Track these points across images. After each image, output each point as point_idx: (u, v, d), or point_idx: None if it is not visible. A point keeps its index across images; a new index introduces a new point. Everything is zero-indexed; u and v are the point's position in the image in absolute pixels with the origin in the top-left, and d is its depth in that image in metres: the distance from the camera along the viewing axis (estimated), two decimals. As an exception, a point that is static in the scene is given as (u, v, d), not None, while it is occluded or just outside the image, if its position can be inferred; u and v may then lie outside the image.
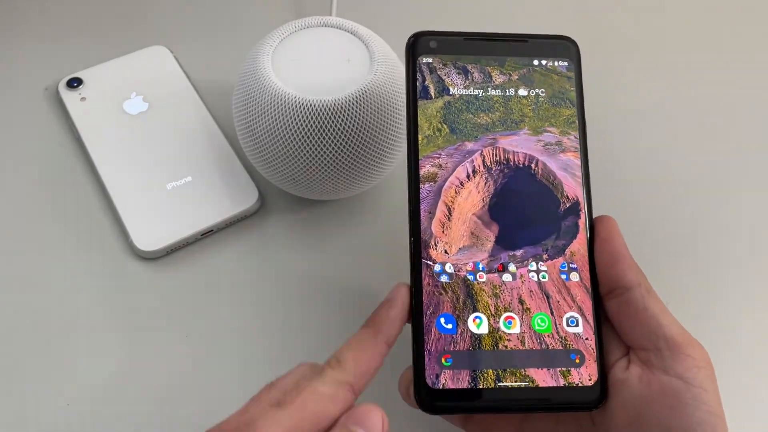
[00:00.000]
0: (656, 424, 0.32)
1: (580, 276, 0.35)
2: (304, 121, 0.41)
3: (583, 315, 0.34)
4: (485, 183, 0.36)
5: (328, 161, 0.42)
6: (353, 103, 0.41)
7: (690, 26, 0.60)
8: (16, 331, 0.43)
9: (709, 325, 0.45)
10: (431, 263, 0.34)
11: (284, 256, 0.47)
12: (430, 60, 0.37)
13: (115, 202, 0.47)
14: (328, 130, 0.41)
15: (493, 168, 0.36)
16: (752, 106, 0.55)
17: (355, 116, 0.41)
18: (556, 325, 0.34)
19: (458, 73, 0.37)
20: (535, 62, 0.37)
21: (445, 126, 0.36)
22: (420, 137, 0.36)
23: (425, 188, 0.35)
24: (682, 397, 0.31)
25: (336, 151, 0.42)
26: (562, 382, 0.33)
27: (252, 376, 0.42)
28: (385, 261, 0.46)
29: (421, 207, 0.35)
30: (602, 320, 0.35)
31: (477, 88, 0.37)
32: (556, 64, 0.37)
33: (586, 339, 0.34)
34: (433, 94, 0.36)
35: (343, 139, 0.41)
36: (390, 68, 0.43)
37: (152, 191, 0.48)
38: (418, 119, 0.36)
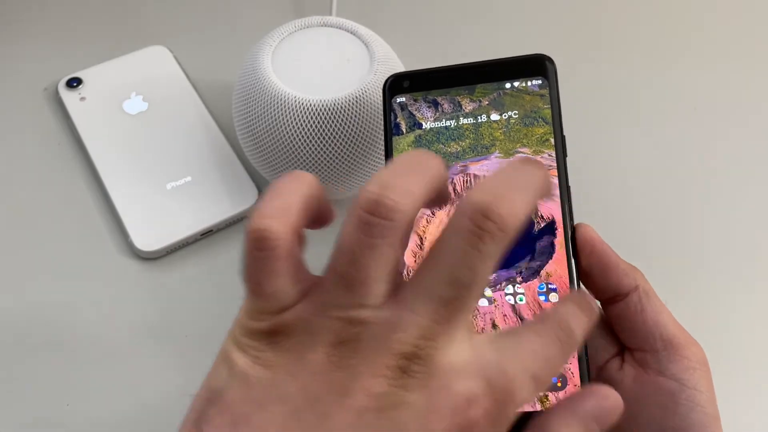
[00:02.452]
0: (650, 425, 0.31)
1: (559, 297, 0.34)
2: (304, 121, 0.41)
3: None
4: None
5: (328, 161, 0.42)
6: (353, 103, 0.41)
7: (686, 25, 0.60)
8: (16, 331, 0.43)
9: (706, 325, 0.45)
10: None
11: (284, 256, 0.47)
12: (403, 99, 0.38)
13: (115, 202, 0.47)
14: (328, 130, 0.41)
15: (464, 195, 0.36)
16: (749, 102, 0.55)
17: (355, 116, 0.41)
18: None
19: (428, 107, 0.37)
20: (507, 85, 0.37)
21: None
22: None
23: None
24: (676, 398, 0.31)
25: (336, 151, 0.42)
26: (538, 407, 0.33)
27: (252, 376, 0.42)
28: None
29: None
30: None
31: (447, 119, 0.37)
32: (528, 84, 0.37)
33: (567, 366, 0.33)
34: (404, 130, 0.37)
35: (343, 139, 0.41)
36: (390, 68, 0.43)
37: (152, 191, 0.48)
38: (393, 154, 0.37)
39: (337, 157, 0.42)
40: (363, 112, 0.41)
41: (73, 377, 0.42)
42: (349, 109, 0.41)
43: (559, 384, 0.33)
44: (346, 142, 0.42)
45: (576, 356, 0.33)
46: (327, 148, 0.42)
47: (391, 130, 0.38)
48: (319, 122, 0.41)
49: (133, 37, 0.56)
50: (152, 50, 0.55)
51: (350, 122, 0.41)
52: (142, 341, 0.43)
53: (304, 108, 0.41)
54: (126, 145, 0.50)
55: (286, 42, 0.44)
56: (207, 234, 0.47)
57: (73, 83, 0.52)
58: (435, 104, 0.37)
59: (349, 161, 0.42)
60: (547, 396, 0.33)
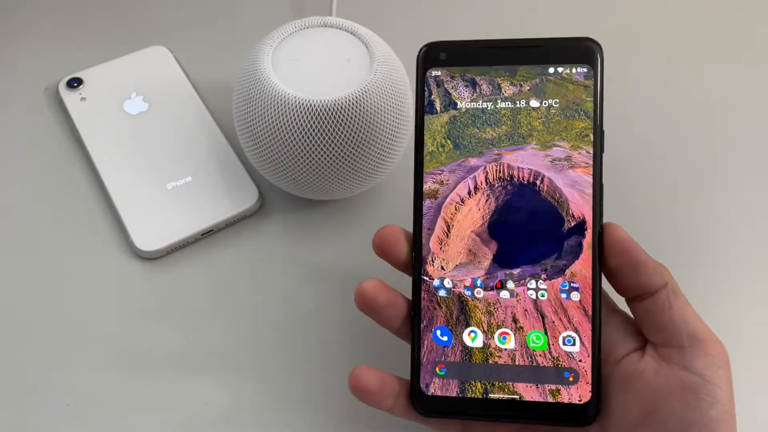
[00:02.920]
0: (670, 417, 0.32)
1: (580, 296, 0.34)
2: (304, 121, 0.41)
3: (579, 336, 0.34)
4: (486, 200, 0.35)
5: (328, 161, 0.42)
6: (353, 103, 0.41)
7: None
8: (16, 330, 0.43)
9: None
10: (428, 279, 0.35)
11: (284, 256, 0.47)
12: (438, 73, 0.36)
13: (115, 202, 0.47)
14: (328, 130, 0.41)
15: (496, 185, 0.35)
16: (750, 102, 0.55)
17: (355, 116, 0.41)
18: (550, 344, 0.34)
19: (466, 86, 0.35)
20: (551, 70, 0.35)
21: (449, 141, 0.35)
22: (424, 153, 0.35)
23: (426, 204, 0.35)
24: (698, 393, 0.31)
25: (336, 151, 0.42)
26: (550, 399, 0.34)
27: (251, 376, 0.42)
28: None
29: (422, 222, 0.35)
30: (601, 333, 0.34)
31: (485, 101, 0.35)
32: (573, 71, 0.35)
33: (580, 361, 0.34)
34: (438, 109, 0.35)
35: (343, 139, 0.42)
36: (390, 68, 0.43)
37: (152, 191, 0.48)
38: (423, 135, 0.35)
39: (337, 157, 0.42)
40: (363, 112, 0.41)
41: (73, 377, 0.42)
42: (349, 109, 0.41)
43: (571, 378, 0.33)
44: (346, 142, 0.42)
45: (589, 351, 0.34)
46: (327, 148, 0.42)
47: (423, 107, 0.36)
48: (319, 122, 0.41)
49: (133, 37, 0.56)
50: (152, 50, 0.55)
51: (350, 122, 0.41)
52: (142, 341, 0.43)
53: (304, 108, 0.41)
54: (126, 145, 0.50)
55: (286, 42, 0.44)
56: (207, 234, 0.47)
57: (74, 83, 0.52)
58: (473, 84, 0.35)
59: (349, 161, 0.42)
60: (559, 390, 0.33)
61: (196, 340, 0.43)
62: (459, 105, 0.35)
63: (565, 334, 0.34)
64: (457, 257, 0.35)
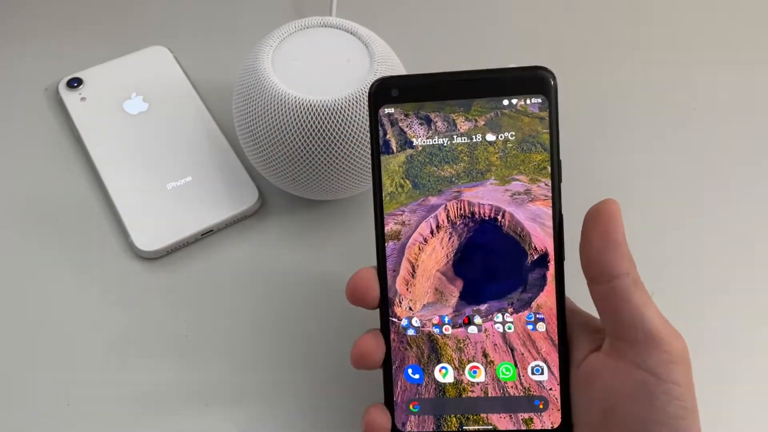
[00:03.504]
0: (628, 417, 0.32)
1: (546, 327, 0.34)
2: (304, 121, 0.41)
3: (548, 365, 0.34)
4: (449, 238, 0.35)
5: (328, 161, 0.42)
6: (353, 103, 0.41)
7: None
8: (16, 330, 0.43)
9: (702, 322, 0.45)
10: (397, 320, 0.35)
11: (284, 256, 0.47)
12: (392, 111, 0.34)
13: (115, 202, 0.47)
14: (328, 130, 0.41)
15: (458, 222, 0.35)
16: (749, 102, 0.55)
17: (355, 116, 0.41)
18: (520, 375, 0.34)
19: (420, 124, 0.35)
20: (505, 102, 0.34)
21: (407, 181, 0.35)
22: (383, 194, 0.35)
23: (390, 246, 0.35)
24: (652, 391, 0.31)
25: (336, 151, 0.42)
26: (524, 427, 0.34)
27: (251, 376, 0.42)
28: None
29: (387, 264, 0.35)
30: (568, 360, 0.35)
31: (441, 138, 0.35)
32: (528, 102, 0.34)
33: (550, 389, 0.34)
34: (394, 148, 0.35)
35: (343, 139, 0.42)
36: (390, 68, 0.43)
37: (152, 191, 0.48)
38: (381, 176, 0.35)
39: (337, 157, 0.42)
40: (363, 112, 0.41)
41: (74, 377, 0.42)
42: (349, 109, 0.41)
43: (541, 406, 0.34)
44: (346, 142, 0.42)
45: (558, 379, 0.34)
46: (327, 148, 0.42)
47: (379, 148, 0.35)
48: (319, 122, 0.41)
49: (133, 37, 0.56)
50: (152, 50, 0.55)
51: (350, 122, 0.41)
52: (142, 341, 0.43)
53: (304, 108, 0.41)
54: (126, 145, 0.50)
55: (286, 42, 0.44)
56: (207, 234, 0.47)
57: (74, 83, 0.52)
58: (428, 121, 0.35)
59: (349, 161, 0.43)
60: (531, 418, 0.34)
61: (196, 340, 0.43)
62: (415, 143, 0.35)
63: (533, 364, 0.34)
64: (424, 297, 0.35)
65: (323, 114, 0.41)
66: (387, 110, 0.35)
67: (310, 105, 0.41)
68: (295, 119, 0.41)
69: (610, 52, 0.58)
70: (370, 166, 0.43)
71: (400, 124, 0.35)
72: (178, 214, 0.47)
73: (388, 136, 0.35)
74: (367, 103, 0.35)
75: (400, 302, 0.35)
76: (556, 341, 0.34)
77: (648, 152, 0.52)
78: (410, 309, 0.35)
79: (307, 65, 0.43)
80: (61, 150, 0.51)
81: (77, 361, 0.42)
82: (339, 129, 0.41)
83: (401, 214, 0.35)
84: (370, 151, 0.35)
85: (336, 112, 0.41)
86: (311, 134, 0.41)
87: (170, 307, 0.44)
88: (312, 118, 0.41)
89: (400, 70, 0.44)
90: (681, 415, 0.31)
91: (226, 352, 0.43)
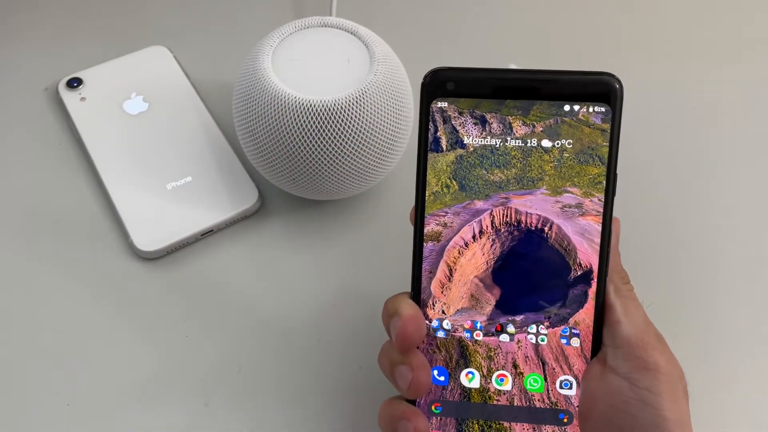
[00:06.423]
0: (603, 422, 0.32)
1: (581, 343, 0.33)
2: (304, 121, 0.41)
3: (577, 381, 0.34)
4: (491, 245, 0.34)
5: (328, 161, 0.42)
6: (353, 103, 0.41)
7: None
8: (16, 330, 0.43)
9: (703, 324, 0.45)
10: (427, 322, 0.34)
11: (284, 256, 0.47)
12: (444, 105, 0.33)
13: (115, 202, 0.47)
14: (328, 130, 0.41)
15: (502, 229, 0.34)
16: (749, 102, 0.55)
17: (355, 116, 0.41)
18: (548, 388, 0.34)
19: (475, 124, 0.33)
20: (566, 108, 0.32)
21: (454, 182, 0.33)
22: (427, 193, 0.33)
23: (428, 247, 0.34)
24: (625, 396, 0.31)
25: (336, 151, 0.42)
26: None
27: (251, 376, 0.42)
28: (385, 261, 0.46)
29: (423, 266, 0.34)
30: None
31: (494, 141, 0.33)
32: (591, 110, 0.32)
33: (578, 406, 0.33)
34: (444, 147, 0.33)
35: (343, 139, 0.42)
36: (390, 68, 0.43)
37: (152, 191, 0.48)
38: (427, 173, 0.33)
39: (337, 157, 0.42)
40: (363, 112, 0.41)
41: (73, 376, 0.42)
42: (349, 109, 0.41)
43: (565, 420, 0.34)
44: (346, 142, 0.42)
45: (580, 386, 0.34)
46: (327, 148, 0.42)
47: (428, 144, 0.33)
48: (319, 122, 0.41)
49: (133, 37, 0.56)
50: (152, 50, 0.55)
51: (350, 122, 0.41)
52: (141, 341, 0.43)
53: (304, 108, 0.41)
54: (126, 145, 0.50)
55: (286, 42, 0.44)
56: (207, 234, 0.47)
57: (74, 83, 0.52)
58: (483, 122, 0.33)
59: (349, 161, 0.42)
60: (554, 430, 0.33)
61: (196, 340, 0.43)
62: (467, 143, 0.33)
63: (562, 378, 0.34)
64: (458, 302, 0.34)
65: (323, 114, 0.41)
66: (440, 104, 0.33)
67: (310, 105, 0.41)
68: (295, 119, 0.41)
69: (611, 52, 0.58)
70: (370, 166, 0.44)
71: (453, 122, 0.33)
72: (178, 214, 0.47)
73: (438, 133, 0.33)
74: (422, 94, 0.33)
75: (433, 305, 0.34)
76: (589, 358, 0.33)
77: (648, 152, 0.52)
78: (443, 313, 0.34)
79: (307, 65, 0.43)
80: (61, 150, 0.51)
81: (77, 360, 0.42)
82: (339, 129, 0.41)
83: (444, 215, 0.34)
84: (416, 149, 0.33)
85: (336, 112, 0.41)
86: (311, 134, 0.41)
87: (170, 307, 0.44)
88: (312, 118, 0.41)
89: (400, 70, 0.44)
90: (656, 423, 0.30)
91: (225, 352, 0.43)
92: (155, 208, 0.47)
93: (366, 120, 0.42)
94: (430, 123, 0.33)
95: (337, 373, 0.42)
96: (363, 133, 0.42)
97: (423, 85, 0.33)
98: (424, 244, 0.34)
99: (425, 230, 0.34)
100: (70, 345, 0.43)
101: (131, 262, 0.46)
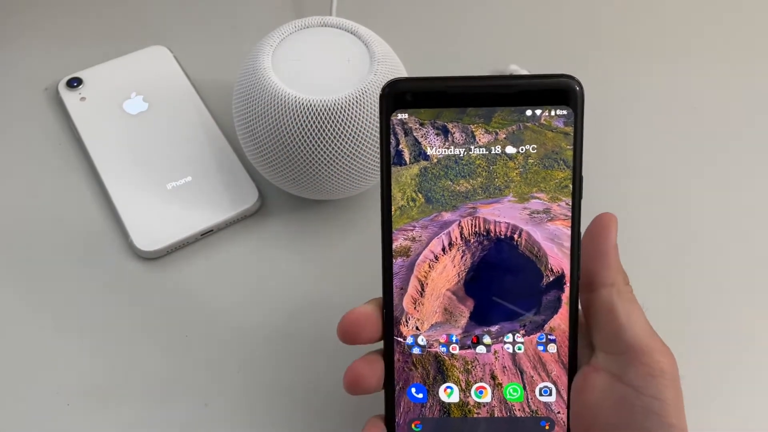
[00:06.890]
0: (608, 430, 0.31)
1: (557, 349, 0.33)
2: (304, 121, 0.41)
3: (556, 387, 0.33)
4: (462, 256, 0.34)
5: (328, 161, 0.42)
6: (353, 103, 0.41)
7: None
8: (16, 330, 0.43)
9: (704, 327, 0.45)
10: (401, 339, 0.34)
11: (284, 256, 0.47)
12: (405, 117, 0.32)
13: (115, 202, 0.47)
14: (328, 130, 0.41)
15: (472, 240, 0.33)
16: (749, 102, 0.55)
17: (355, 116, 0.41)
18: (528, 397, 0.34)
19: (437, 134, 0.32)
20: (528, 113, 0.32)
21: (420, 195, 0.33)
22: (393, 207, 0.33)
23: (398, 263, 0.33)
24: (631, 405, 0.30)
25: (336, 151, 0.42)
26: None
27: (251, 376, 0.42)
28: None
29: (394, 282, 0.33)
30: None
31: (458, 150, 0.32)
32: (552, 114, 0.32)
33: (558, 412, 0.33)
34: (408, 160, 0.32)
35: (343, 139, 0.42)
36: (390, 68, 0.43)
37: (152, 191, 0.48)
38: (392, 188, 0.33)
39: (337, 157, 0.42)
40: (363, 112, 0.41)
41: (73, 376, 0.42)
42: (349, 109, 0.41)
43: (547, 427, 0.34)
44: (346, 142, 0.42)
45: (566, 401, 0.34)
46: (327, 148, 0.42)
47: (390, 158, 0.32)
48: (319, 122, 0.41)
49: (133, 37, 0.56)
50: (152, 50, 0.55)
51: (350, 122, 0.41)
52: (141, 341, 0.43)
53: (304, 108, 0.41)
54: (126, 145, 0.50)
55: (286, 42, 0.44)
56: (207, 234, 0.47)
57: (74, 83, 0.52)
58: (445, 131, 0.32)
59: (349, 161, 0.42)
60: None
61: (196, 340, 0.43)
62: (430, 155, 0.32)
63: (542, 385, 0.34)
64: (432, 317, 0.34)
65: (323, 114, 0.41)
66: (400, 116, 0.32)
67: (310, 105, 0.41)
68: (295, 119, 0.41)
69: (611, 52, 0.58)
70: (370, 165, 0.43)
71: (415, 134, 0.32)
72: (178, 214, 0.47)
73: (401, 146, 0.32)
74: (378, 105, 0.32)
75: (406, 321, 0.34)
76: (567, 363, 0.33)
77: (648, 153, 0.52)
78: (417, 329, 0.34)
79: (307, 65, 0.43)
80: (61, 150, 0.51)
81: (77, 360, 0.42)
82: (339, 129, 0.41)
83: (412, 230, 0.33)
84: (379, 159, 0.33)
85: (336, 112, 0.41)
86: (311, 134, 0.41)
87: (170, 307, 0.44)
88: (312, 118, 0.41)
89: (400, 69, 0.44)
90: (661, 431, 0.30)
91: (225, 352, 0.43)
92: (155, 208, 0.47)
93: (366, 120, 0.42)
94: (392, 136, 0.32)
95: (337, 373, 0.42)
96: (363, 133, 0.42)
97: (381, 97, 0.32)
98: (394, 260, 0.33)
99: (394, 246, 0.33)
100: (70, 344, 0.43)
101: (131, 262, 0.46)
